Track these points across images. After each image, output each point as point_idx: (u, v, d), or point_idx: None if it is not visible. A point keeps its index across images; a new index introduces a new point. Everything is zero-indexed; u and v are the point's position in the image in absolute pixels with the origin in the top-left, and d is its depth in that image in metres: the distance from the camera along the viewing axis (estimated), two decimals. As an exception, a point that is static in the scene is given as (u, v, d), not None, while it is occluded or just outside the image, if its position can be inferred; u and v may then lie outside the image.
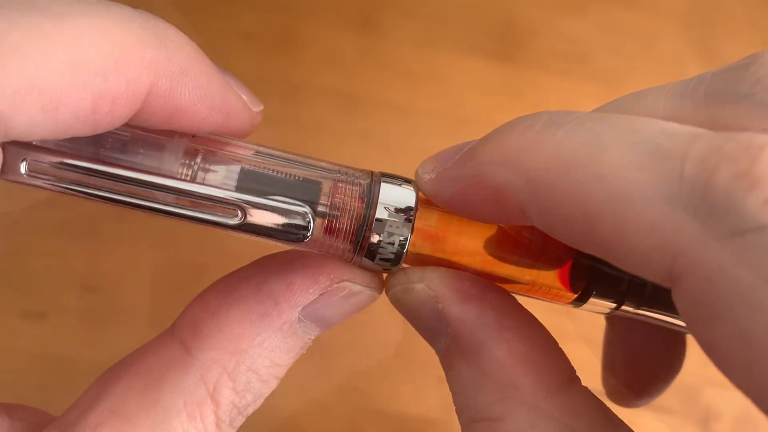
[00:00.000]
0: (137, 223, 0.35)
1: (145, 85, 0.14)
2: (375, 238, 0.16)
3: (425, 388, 0.34)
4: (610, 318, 0.23)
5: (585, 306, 0.18)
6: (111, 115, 0.14)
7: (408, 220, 0.16)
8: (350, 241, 0.17)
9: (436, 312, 0.16)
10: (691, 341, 0.22)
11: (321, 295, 0.17)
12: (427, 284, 0.17)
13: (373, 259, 0.17)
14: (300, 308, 0.17)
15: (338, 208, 0.16)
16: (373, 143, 0.39)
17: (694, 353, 0.22)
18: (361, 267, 0.17)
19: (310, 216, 0.16)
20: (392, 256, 0.17)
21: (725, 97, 0.14)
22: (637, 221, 0.12)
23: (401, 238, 0.16)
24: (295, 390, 0.33)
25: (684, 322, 0.12)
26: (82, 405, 0.15)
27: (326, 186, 0.16)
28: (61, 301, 0.33)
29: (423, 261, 0.17)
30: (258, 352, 0.16)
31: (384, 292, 0.18)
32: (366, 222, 0.16)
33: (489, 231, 0.17)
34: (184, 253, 0.35)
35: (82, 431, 0.14)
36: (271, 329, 0.16)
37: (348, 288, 0.17)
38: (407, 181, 0.17)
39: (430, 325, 0.17)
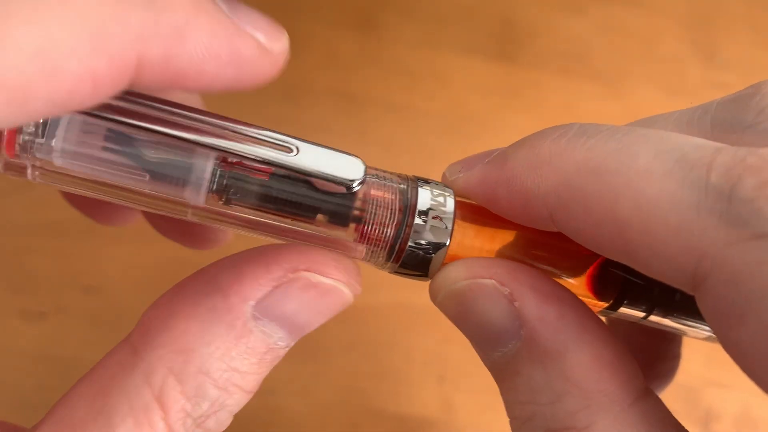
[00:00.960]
0: (137, 222, 0.35)
1: (131, 59, 0.12)
2: (412, 244, 0.16)
3: (425, 388, 0.34)
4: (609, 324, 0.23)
5: (614, 315, 0.18)
6: (94, 97, 0.12)
7: (446, 226, 0.16)
8: (386, 247, 0.16)
9: (510, 311, 0.15)
10: (686, 348, 0.22)
11: (276, 287, 0.15)
12: (498, 280, 0.15)
13: (409, 265, 0.16)
14: (253, 302, 0.15)
15: (374, 213, 0.16)
16: (373, 143, 0.39)
17: (695, 355, 0.22)
18: (397, 273, 0.16)
19: (363, 165, 0.15)
20: (429, 262, 0.16)
21: (731, 126, 0.14)
22: (665, 226, 0.12)
23: (439, 244, 0.16)
24: (295, 390, 0.33)
25: (709, 325, 0.13)
26: (45, 416, 0.15)
27: (360, 191, 0.16)
28: (61, 301, 0.33)
29: None
30: (208, 351, 0.14)
31: (431, 296, 0.17)
32: (403, 227, 0.16)
33: (525, 238, 0.17)
34: (184, 253, 0.35)
35: None
36: (222, 326, 0.14)
37: (306, 279, 0.15)
38: (444, 186, 0.17)
39: (499, 326, 0.15)
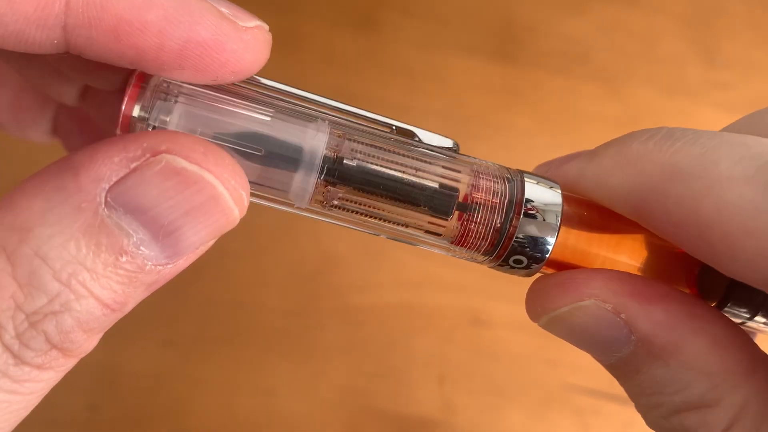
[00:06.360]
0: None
1: None
2: (517, 240, 0.15)
3: (425, 389, 0.34)
4: None
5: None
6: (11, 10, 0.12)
7: (552, 222, 0.15)
8: (490, 241, 0.15)
9: (616, 323, 0.15)
10: None
11: (133, 171, 0.13)
12: (598, 299, 0.15)
13: (510, 261, 0.16)
14: (105, 185, 0.12)
15: (479, 205, 0.15)
16: (373, 143, 0.39)
17: None
18: (497, 268, 0.16)
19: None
20: (533, 260, 0.16)
21: None
22: (743, 230, 0.13)
23: (544, 242, 0.15)
24: (295, 390, 0.33)
25: None
26: None
27: (465, 182, 0.15)
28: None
29: (561, 266, 0.16)
30: (48, 233, 0.12)
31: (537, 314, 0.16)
32: (508, 222, 0.15)
33: (631, 237, 0.17)
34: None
35: None
36: (68, 207, 0.12)
37: (166, 162, 0.13)
38: (550, 180, 0.16)
39: (608, 339, 0.15)
